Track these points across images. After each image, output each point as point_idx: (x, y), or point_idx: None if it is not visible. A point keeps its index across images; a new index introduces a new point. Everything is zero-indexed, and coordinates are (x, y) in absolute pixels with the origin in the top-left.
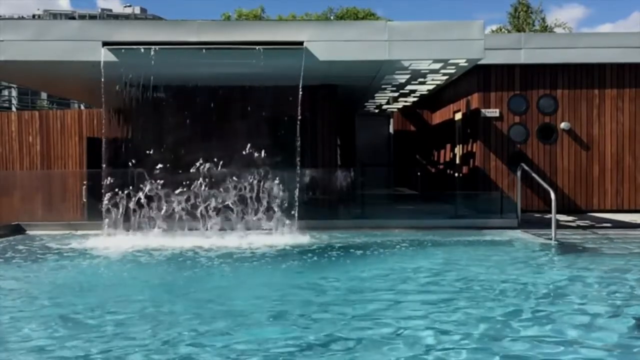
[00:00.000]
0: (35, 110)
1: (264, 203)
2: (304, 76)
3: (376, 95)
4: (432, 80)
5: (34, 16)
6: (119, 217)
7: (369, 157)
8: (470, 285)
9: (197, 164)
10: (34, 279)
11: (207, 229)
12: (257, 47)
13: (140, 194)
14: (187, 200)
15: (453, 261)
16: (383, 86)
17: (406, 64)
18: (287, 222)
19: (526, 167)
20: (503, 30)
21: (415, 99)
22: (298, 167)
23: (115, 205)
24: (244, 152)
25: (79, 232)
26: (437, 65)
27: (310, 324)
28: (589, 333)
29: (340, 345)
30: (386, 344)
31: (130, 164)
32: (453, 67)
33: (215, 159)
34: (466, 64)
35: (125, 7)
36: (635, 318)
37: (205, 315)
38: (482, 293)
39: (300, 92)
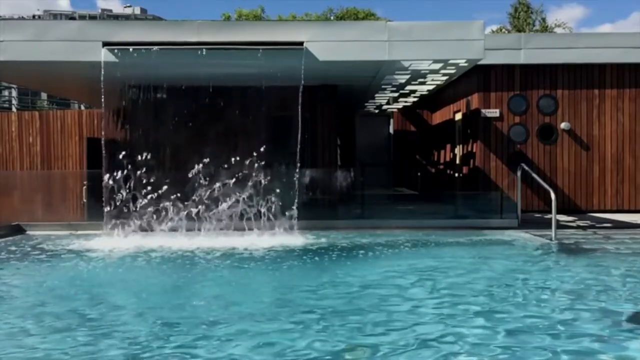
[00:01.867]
0: (35, 111)
1: (265, 203)
2: (304, 76)
3: (376, 95)
4: (432, 80)
5: (34, 16)
6: (119, 217)
7: (369, 157)
8: (472, 285)
9: (197, 164)
10: (31, 279)
11: (207, 230)
12: (257, 47)
13: (140, 195)
14: (188, 200)
15: (455, 262)
16: (383, 86)
17: (406, 64)
18: (288, 222)
19: (526, 167)
20: (503, 30)
21: (415, 99)
22: (298, 167)
23: (115, 205)
24: (244, 152)
25: (79, 233)
26: (437, 66)
27: (323, 326)
28: (593, 333)
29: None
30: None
31: (130, 164)
32: (453, 67)
33: (215, 159)
34: (466, 64)
35: (125, 7)
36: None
37: (210, 319)
38: (485, 294)
39: (301, 93)
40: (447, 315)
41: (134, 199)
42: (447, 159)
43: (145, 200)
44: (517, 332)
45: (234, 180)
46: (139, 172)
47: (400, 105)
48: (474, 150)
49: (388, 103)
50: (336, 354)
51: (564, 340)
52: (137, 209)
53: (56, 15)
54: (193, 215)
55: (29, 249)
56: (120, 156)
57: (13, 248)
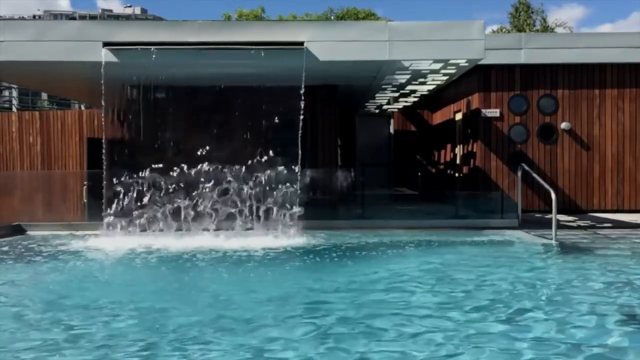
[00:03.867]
0: (35, 111)
1: (265, 204)
2: (305, 76)
3: (377, 95)
4: (433, 80)
5: (34, 17)
6: (118, 217)
7: (369, 157)
8: (472, 285)
9: (197, 165)
10: (29, 279)
11: (207, 230)
12: (257, 47)
13: (140, 195)
14: (188, 201)
15: (456, 262)
16: (383, 86)
17: (406, 64)
18: (288, 223)
19: (526, 167)
20: (503, 30)
21: (415, 99)
22: (298, 167)
23: (115, 205)
24: (244, 153)
25: (79, 233)
26: (438, 66)
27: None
28: (593, 333)
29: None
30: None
31: (130, 164)
32: (453, 67)
33: (215, 159)
34: (466, 64)
35: (125, 7)
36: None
37: (216, 324)
38: (485, 294)
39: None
40: (456, 316)
41: (135, 199)
42: (448, 159)
43: (147, 201)
44: (528, 332)
45: (233, 180)
46: (139, 173)
47: (400, 105)
48: (475, 150)
49: (388, 103)
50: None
51: (576, 339)
52: (139, 210)
53: (56, 16)
54: (193, 216)
55: (27, 249)
56: (121, 156)
57: (12, 248)
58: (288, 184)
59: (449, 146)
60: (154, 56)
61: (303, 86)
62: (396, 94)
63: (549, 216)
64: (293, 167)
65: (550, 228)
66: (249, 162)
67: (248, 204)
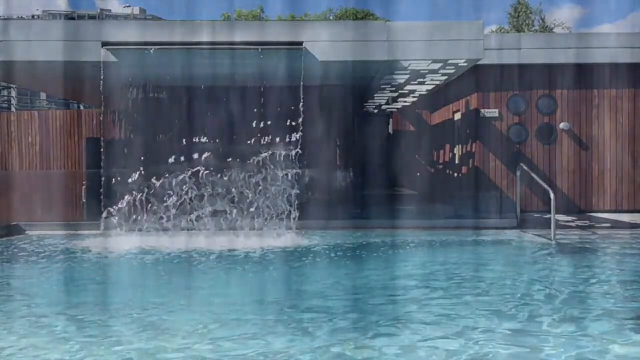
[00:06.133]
0: (34, 111)
1: (264, 204)
2: (304, 76)
3: (376, 95)
4: (432, 80)
5: (33, 17)
6: (117, 217)
7: (369, 157)
8: (470, 285)
9: (196, 165)
10: (28, 279)
11: (207, 230)
12: (257, 47)
13: (139, 195)
14: (188, 201)
15: (455, 262)
16: (382, 86)
17: (405, 64)
18: (287, 223)
19: (525, 168)
20: (503, 30)
21: (414, 99)
22: (297, 168)
23: (114, 206)
24: (242, 153)
25: (78, 233)
26: (437, 66)
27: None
28: (591, 333)
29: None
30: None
31: (129, 164)
32: (452, 67)
33: (215, 159)
34: (466, 65)
35: (124, 7)
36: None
37: (221, 326)
38: (484, 294)
39: (301, 93)
40: (459, 315)
41: (135, 200)
42: (447, 159)
43: (145, 201)
44: (529, 331)
45: (233, 181)
46: (137, 172)
47: (399, 105)
48: (474, 151)
49: (387, 103)
50: None
51: (571, 340)
52: (137, 210)
53: (55, 15)
54: (193, 216)
55: (28, 249)
56: (120, 157)
57: (12, 248)
58: (287, 184)
59: (448, 146)
60: (153, 56)
61: (302, 86)
62: (395, 94)
63: (547, 216)
64: (292, 167)
65: (549, 228)
66: (248, 162)
67: (247, 204)
